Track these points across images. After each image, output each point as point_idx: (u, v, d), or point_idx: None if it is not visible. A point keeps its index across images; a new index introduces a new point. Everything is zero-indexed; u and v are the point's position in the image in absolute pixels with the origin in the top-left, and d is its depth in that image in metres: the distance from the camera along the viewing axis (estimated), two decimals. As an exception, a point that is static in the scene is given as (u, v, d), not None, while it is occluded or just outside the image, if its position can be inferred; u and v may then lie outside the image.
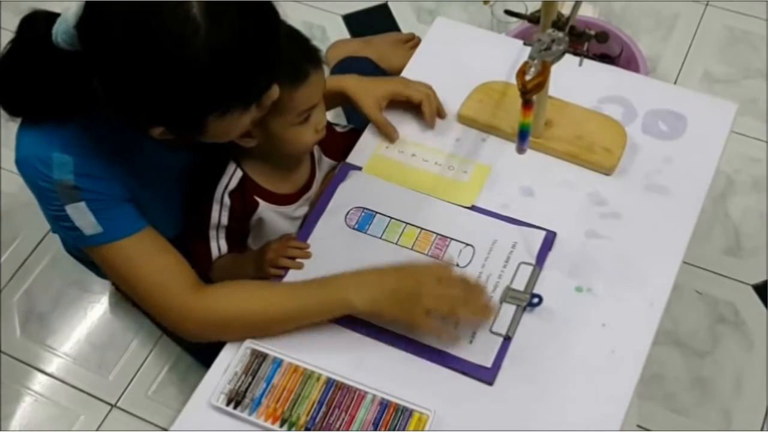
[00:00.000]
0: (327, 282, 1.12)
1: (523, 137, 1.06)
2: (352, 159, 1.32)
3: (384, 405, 1.07)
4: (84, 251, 1.15)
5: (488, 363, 1.09)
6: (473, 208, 1.25)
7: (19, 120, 1.07)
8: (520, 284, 1.16)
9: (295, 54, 1.12)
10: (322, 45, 2.12)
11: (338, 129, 1.40)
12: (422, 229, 1.23)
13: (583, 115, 1.31)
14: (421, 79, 1.37)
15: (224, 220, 1.25)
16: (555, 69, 1.01)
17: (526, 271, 1.17)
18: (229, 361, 1.12)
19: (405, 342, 1.12)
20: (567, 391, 1.08)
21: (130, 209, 1.12)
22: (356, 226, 1.24)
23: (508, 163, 1.29)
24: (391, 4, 2.31)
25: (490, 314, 1.11)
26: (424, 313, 1.07)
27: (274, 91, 1.04)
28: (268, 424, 1.07)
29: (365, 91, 1.34)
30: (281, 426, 1.06)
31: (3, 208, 1.97)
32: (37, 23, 1.01)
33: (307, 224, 1.26)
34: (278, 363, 1.11)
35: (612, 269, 1.17)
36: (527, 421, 1.06)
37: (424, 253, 1.20)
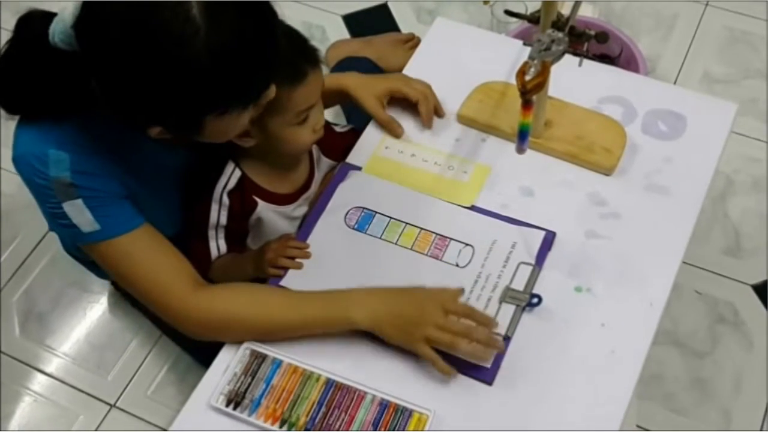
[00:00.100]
0: (332, 297, 1.12)
1: (522, 137, 1.06)
2: (351, 159, 1.32)
3: (384, 405, 1.07)
4: (83, 249, 1.15)
5: (487, 363, 1.09)
6: (473, 208, 1.25)
7: (17, 119, 1.07)
8: (519, 284, 1.16)
9: (294, 54, 1.12)
10: (321, 45, 2.12)
11: (337, 129, 1.40)
12: (422, 229, 1.23)
13: (582, 115, 1.31)
14: (421, 79, 1.37)
15: (223, 220, 1.25)
16: (555, 69, 1.01)
17: (526, 271, 1.17)
18: (229, 361, 1.12)
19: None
20: (566, 391, 1.08)
21: (128, 206, 1.12)
22: (356, 226, 1.24)
23: (507, 163, 1.29)
24: (390, 4, 2.31)
25: (490, 353, 1.08)
26: (424, 341, 1.07)
27: (272, 91, 1.04)
28: (267, 425, 1.06)
29: (366, 88, 1.34)
30: (281, 427, 1.06)
31: (3, 208, 1.97)
32: (34, 23, 1.00)
33: (307, 224, 1.26)
34: (278, 363, 1.11)
35: (611, 269, 1.17)
36: (527, 421, 1.06)
37: (423, 253, 1.20)
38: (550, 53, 0.99)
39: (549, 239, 1.20)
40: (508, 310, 1.14)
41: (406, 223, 1.24)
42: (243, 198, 1.25)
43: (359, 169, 1.31)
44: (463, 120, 1.35)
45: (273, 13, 0.97)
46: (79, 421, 1.70)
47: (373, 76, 1.38)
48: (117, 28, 0.89)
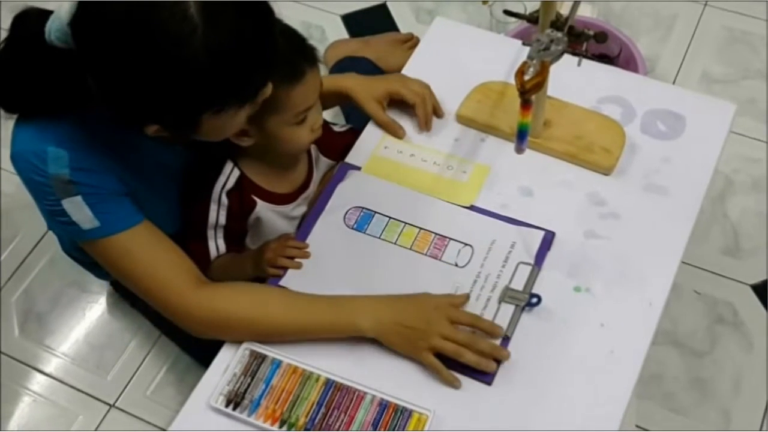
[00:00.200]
0: (338, 302, 1.12)
1: (521, 137, 1.06)
2: (350, 159, 1.32)
3: (383, 405, 1.07)
4: (83, 248, 1.15)
5: (491, 371, 1.09)
6: (472, 207, 1.25)
7: (14, 118, 1.07)
8: (518, 284, 1.16)
9: (292, 53, 1.12)
10: (320, 45, 2.12)
11: (336, 128, 1.40)
12: (421, 228, 1.23)
13: (581, 115, 1.31)
14: (420, 80, 1.37)
15: (222, 220, 1.24)
16: (554, 69, 1.01)
17: (525, 271, 1.17)
18: (228, 361, 1.12)
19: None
20: (566, 391, 1.08)
21: (127, 203, 1.12)
22: (355, 226, 1.24)
23: (507, 163, 1.29)
24: (389, 4, 2.30)
25: (494, 363, 1.08)
26: (428, 350, 1.08)
27: (269, 89, 1.04)
28: (267, 426, 1.06)
29: (365, 91, 1.34)
30: (280, 427, 1.06)
31: (2, 208, 1.97)
32: (30, 21, 1.00)
33: (306, 224, 1.26)
34: (277, 364, 1.11)
35: (611, 269, 1.17)
36: (526, 422, 1.06)
37: (422, 253, 1.20)
38: (549, 53, 0.99)
39: (548, 239, 1.20)
40: (508, 309, 1.13)
41: (406, 223, 1.24)
42: (242, 198, 1.25)
43: (358, 168, 1.31)
44: (462, 120, 1.35)
45: (270, 11, 0.97)
46: (78, 421, 1.70)
47: (372, 78, 1.38)
48: (114, 26, 0.89)
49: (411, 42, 2.02)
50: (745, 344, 1.70)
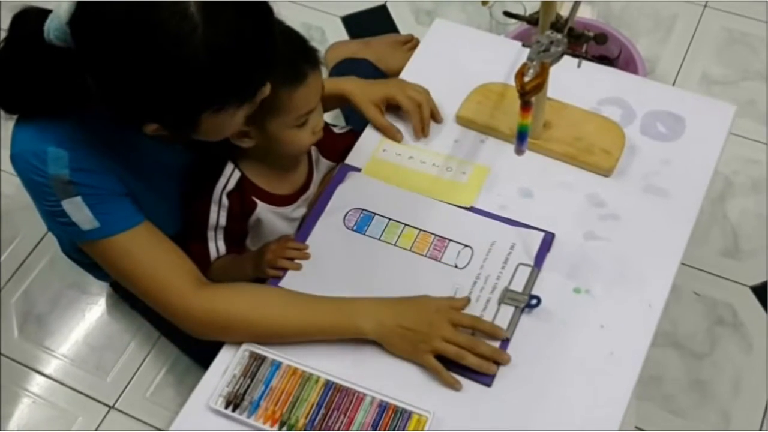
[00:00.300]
0: (339, 304, 1.12)
1: (521, 138, 1.06)
2: (350, 160, 1.32)
3: (383, 407, 1.07)
4: (83, 249, 1.15)
5: (492, 373, 1.09)
6: (472, 209, 1.25)
7: (14, 119, 1.07)
8: (518, 285, 1.16)
9: (294, 55, 1.12)
10: (320, 46, 2.11)
11: (336, 130, 1.40)
12: (421, 230, 1.23)
13: (581, 116, 1.31)
14: (420, 81, 1.37)
15: (222, 221, 1.24)
16: (554, 70, 1.01)
17: (525, 273, 1.17)
18: (228, 363, 1.12)
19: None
20: (565, 392, 1.08)
21: (127, 203, 1.12)
22: (355, 228, 1.24)
23: (506, 165, 1.29)
24: (389, 6, 2.31)
25: (495, 366, 1.09)
26: (429, 352, 1.08)
27: (267, 88, 1.04)
28: (266, 427, 1.06)
29: (363, 94, 1.35)
30: (280, 428, 1.06)
31: (2, 209, 1.97)
32: (29, 20, 1.00)
33: (306, 225, 1.26)
34: (277, 365, 1.11)
35: (610, 270, 1.17)
36: (526, 423, 1.06)
37: (422, 254, 1.20)
38: (548, 54, 0.99)
39: (548, 240, 1.20)
40: (507, 311, 1.13)
41: (405, 224, 1.24)
42: (242, 199, 1.25)
43: (358, 170, 1.31)
44: (462, 121, 1.35)
45: (270, 11, 0.97)
46: (77, 422, 1.70)
47: (371, 82, 1.38)
48: (113, 24, 0.89)
49: (411, 43, 2.02)
50: (745, 346, 1.70)
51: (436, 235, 1.22)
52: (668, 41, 2.15)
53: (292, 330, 1.12)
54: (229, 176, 1.23)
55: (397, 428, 1.05)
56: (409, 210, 1.25)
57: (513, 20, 1.38)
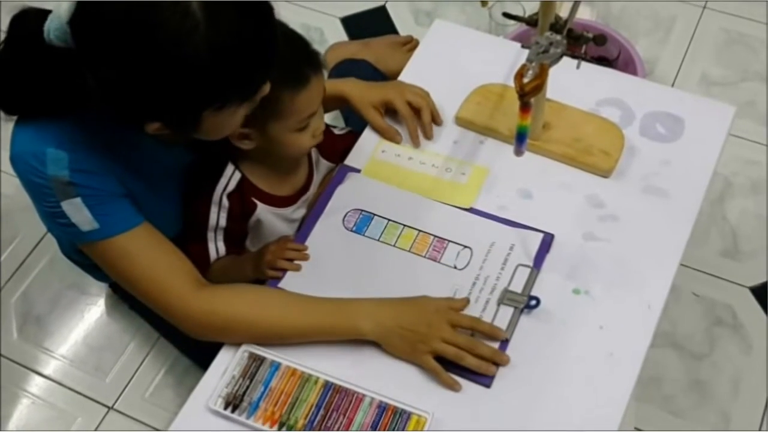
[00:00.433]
0: (339, 305, 1.12)
1: (521, 139, 1.06)
2: (350, 161, 1.32)
3: (382, 407, 1.07)
4: (82, 250, 1.15)
5: (491, 374, 1.09)
6: (471, 210, 1.25)
7: (14, 120, 1.07)
8: (517, 286, 1.16)
9: (296, 58, 1.12)
10: (320, 47, 2.10)
11: (336, 131, 1.40)
12: (420, 231, 1.23)
13: (580, 117, 1.31)
14: (419, 82, 1.37)
15: (222, 222, 1.24)
16: (553, 71, 1.01)
17: (524, 273, 1.17)
18: (227, 364, 1.12)
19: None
20: (564, 393, 1.08)
21: (127, 205, 1.12)
22: (354, 228, 1.24)
23: (506, 166, 1.29)
24: (388, 7, 2.31)
25: (494, 367, 1.09)
26: (429, 353, 1.08)
27: (267, 87, 1.04)
28: (266, 428, 1.06)
29: (362, 97, 1.35)
30: (279, 429, 1.06)
31: (2, 210, 1.97)
32: (28, 20, 1.00)
33: (305, 226, 1.26)
34: (276, 366, 1.11)
35: (610, 271, 1.17)
36: (525, 423, 1.06)
37: (421, 255, 1.20)
38: (548, 56, 0.99)
39: (547, 241, 1.20)
40: (507, 312, 1.13)
41: (405, 225, 1.24)
42: (242, 200, 1.25)
43: (358, 171, 1.31)
44: (461, 122, 1.35)
45: (270, 8, 0.97)
46: (77, 423, 1.69)
47: (371, 85, 1.38)
48: (115, 23, 0.89)
49: (410, 44, 2.02)
50: (744, 346, 1.70)
51: (435, 236, 1.22)
52: (667, 42, 2.15)
53: (291, 331, 1.12)
54: (230, 177, 1.24)
55: (396, 429, 1.05)
56: (408, 211, 1.25)
57: (512, 21, 1.38)
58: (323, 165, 1.37)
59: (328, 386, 1.09)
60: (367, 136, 1.35)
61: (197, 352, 1.32)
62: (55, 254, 1.54)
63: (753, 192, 1.90)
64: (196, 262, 1.18)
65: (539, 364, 1.10)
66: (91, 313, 1.83)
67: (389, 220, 1.24)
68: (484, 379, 1.08)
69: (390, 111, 1.35)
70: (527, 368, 1.09)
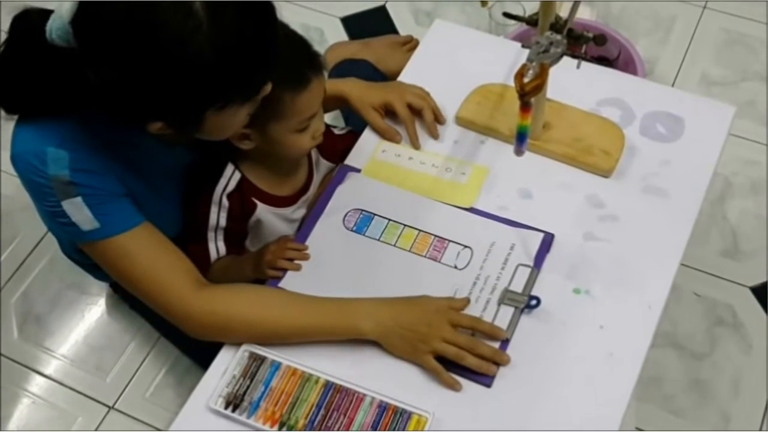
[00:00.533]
0: (339, 305, 1.12)
1: (521, 139, 1.06)
2: (350, 161, 1.32)
3: (383, 407, 1.07)
4: (83, 249, 1.15)
5: (492, 374, 1.09)
6: (471, 209, 1.25)
7: (14, 119, 1.07)
8: (518, 286, 1.16)
9: (297, 60, 1.12)
10: (319, 47, 2.10)
11: (336, 131, 1.40)
12: (420, 230, 1.23)
13: (581, 117, 1.31)
14: (419, 82, 1.37)
15: (222, 222, 1.25)
16: (553, 71, 1.01)
17: (524, 273, 1.17)
18: (227, 363, 1.12)
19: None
20: (565, 392, 1.08)
21: (128, 204, 1.12)
22: (354, 228, 1.24)
23: (506, 165, 1.29)
24: (389, 7, 2.31)
25: (494, 367, 1.09)
26: (429, 353, 1.08)
27: (269, 86, 1.04)
28: (266, 428, 1.06)
29: (362, 97, 1.35)
30: (280, 429, 1.06)
31: (2, 210, 1.97)
32: (30, 20, 1.00)
33: (306, 226, 1.26)
34: (276, 366, 1.11)
35: (610, 271, 1.17)
36: (525, 423, 1.06)
37: (422, 255, 1.20)
38: (548, 55, 0.99)
39: (547, 241, 1.20)
40: (507, 311, 1.14)
41: (405, 225, 1.24)
42: (242, 200, 1.25)
43: (358, 171, 1.31)
44: (462, 122, 1.35)
45: (272, 8, 0.98)
46: (77, 422, 1.70)
47: (371, 85, 1.38)
48: (117, 23, 0.89)
49: (410, 44, 2.01)
50: (745, 346, 1.70)
51: (435, 236, 1.22)
52: (667, 42, 2.15)
53: (291, 331, 1.12)
54: (230, 177, 1.24)
55: (396, 428, 1.05)
56: (408, 211, 1.25)
57: (512, 21, 1.38)
58: (323, 165, 1.37)
59: (328, 386, 1.09)
60: (367, 136, 1.35)
61: (198, 351, 1.32)
62: (56, 254, 1.54)
63: (753, 192, 1.90)
64: (196, 262, 1.18)
65: (539, 363, 1.10)
66: (92, 313, 1.83)
67: (389, 219, 1.24)
68: (485, 379, 1.08)
69: (390, 112, 1.36)
70: (528, 368, 1.09)
